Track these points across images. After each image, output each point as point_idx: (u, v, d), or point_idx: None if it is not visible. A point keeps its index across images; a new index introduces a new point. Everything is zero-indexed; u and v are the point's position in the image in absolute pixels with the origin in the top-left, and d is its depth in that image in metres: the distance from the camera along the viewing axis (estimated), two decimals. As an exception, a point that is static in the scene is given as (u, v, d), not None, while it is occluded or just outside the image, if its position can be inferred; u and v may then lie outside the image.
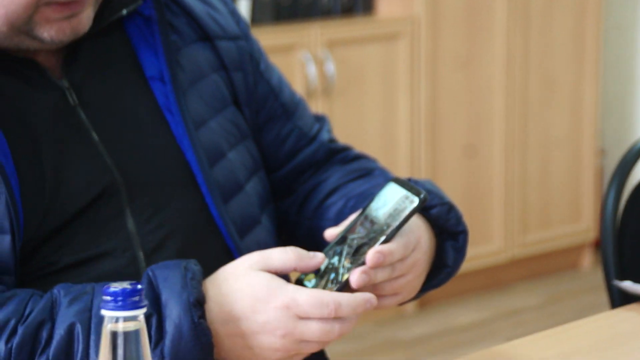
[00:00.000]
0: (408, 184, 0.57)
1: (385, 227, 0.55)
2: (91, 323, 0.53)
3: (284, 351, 0.55)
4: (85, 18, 0.64)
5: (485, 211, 2.11)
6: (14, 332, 0.53)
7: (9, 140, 0.60)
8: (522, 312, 2.25)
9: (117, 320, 0.38)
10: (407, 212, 0.54)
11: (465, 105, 2.04)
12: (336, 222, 0.65)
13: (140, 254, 0.63)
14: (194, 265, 0.57)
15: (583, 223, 2.38)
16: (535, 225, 2.24)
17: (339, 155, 0.79)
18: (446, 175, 1.99)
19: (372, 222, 0.56)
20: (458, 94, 2.02)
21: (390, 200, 0.56)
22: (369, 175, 0.74)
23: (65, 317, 0.53)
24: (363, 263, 0.54)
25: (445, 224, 0.62)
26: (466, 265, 0.71)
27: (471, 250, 0.75)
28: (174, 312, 0.51)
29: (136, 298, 0.38)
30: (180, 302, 0.51)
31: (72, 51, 0.67)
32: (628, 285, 0.85)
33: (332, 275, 0.56)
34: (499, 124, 2.10)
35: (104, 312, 0.38)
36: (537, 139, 2.20)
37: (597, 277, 1.55)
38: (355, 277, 0.54)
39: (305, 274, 0.57)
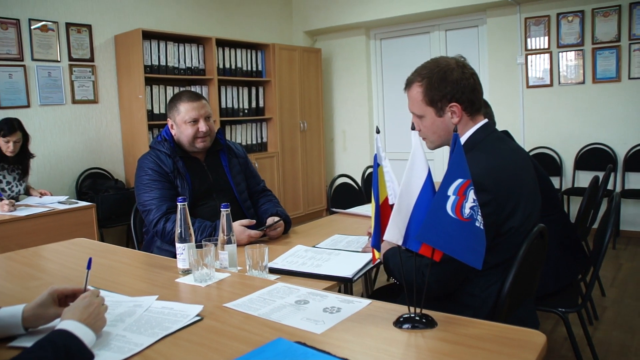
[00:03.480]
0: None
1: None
2: (202, 226, 2.24)
3: (248, 238, 2.23)
4: (209, 143, 2.44)
5: None
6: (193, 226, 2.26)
7: (192, 179, 2.41)
8: None
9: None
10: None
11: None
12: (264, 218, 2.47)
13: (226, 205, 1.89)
14: None
15: None
16: None
17: (267, 192, 2.69)
18: None
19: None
20: None
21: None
22: (272, 202, 2.60)
23: (200, 222, 2.25)
24: (270, 226, 2.32)
25: (286, 218, 2.45)
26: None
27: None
28: None
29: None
30: None
31: (208, 156, 2.50)
32: None
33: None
34: None
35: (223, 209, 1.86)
36: None
37: None
38: (269, 222, 2.38)
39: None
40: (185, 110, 2.40)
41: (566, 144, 5.42)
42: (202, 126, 2.41)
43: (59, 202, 3.56)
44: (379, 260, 1.91)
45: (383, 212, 1.21)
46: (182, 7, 5.58)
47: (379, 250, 1.23)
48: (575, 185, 5.37)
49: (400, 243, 1.19)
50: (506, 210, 1.56)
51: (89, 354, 1.11)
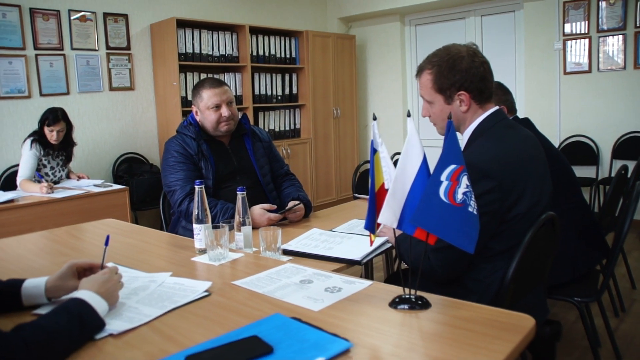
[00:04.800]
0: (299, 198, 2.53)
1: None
2: (224, 208, 2.42)
3: (267, 221, 2.30)
4: (232, 127, 2.53)
5: None
6: (216, 208, 2.41)
7: (216, 161, 2.58)
8: None
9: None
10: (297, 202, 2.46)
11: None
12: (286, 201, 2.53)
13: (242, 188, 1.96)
14: None
15: None
16: None
17: (290, 175, 2.78)
18: None
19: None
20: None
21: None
22: (295, 187, 2.68)
23: (222, 204, 2.38)
24: (290, 209, 2.38)
25: (307, 203, 2.50)
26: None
27: None
28: None
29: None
30: None
31: (232, 140, 2.62)
32: None
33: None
34: None
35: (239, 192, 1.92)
36: None
37: None
38: (290, 205, 2.45)
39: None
40: (207, 97, 2.48)
41: (604, 132, 5.27)
42: (225, 111, 2.48)
43: (95, 185, 3.73)
44: (390, 245, 1.96)
45: (379, 197, 1.25)
46: (216, -5, 5.68)
47: (373, 233, 1.27)
48: (613, 175, 5.23)
49: (395, 226, 1.23)
50: (511, 197, 1.57)
51: (100, 321, 1.20)
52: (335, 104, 6.36)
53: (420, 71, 1.77)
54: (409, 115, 1.24)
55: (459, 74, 1.67)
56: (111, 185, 3.75)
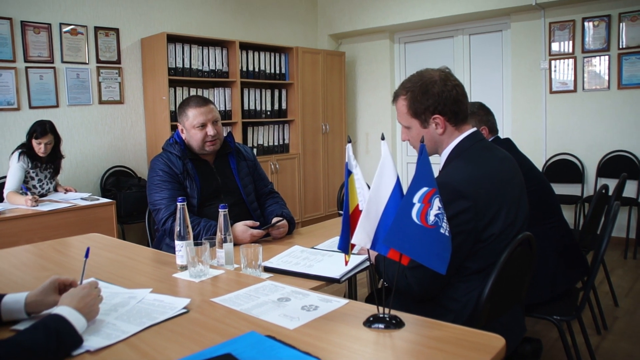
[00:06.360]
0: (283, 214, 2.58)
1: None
2: (207, 225, 2.45)
3: (250, 237, 2.33)
4: (218, 146, 2.54)
5: None
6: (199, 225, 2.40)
7: (200, 180, 2.65)
8: None
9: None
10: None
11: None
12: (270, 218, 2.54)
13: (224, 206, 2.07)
14: None
15: None
16: None
17: (274, 193, 2.82)
18: None
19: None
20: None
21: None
22: (278, 204, 2.70)
23: (206, 222, 2.37)
24: (273, 225, 2.41)
25: (290, 220, 2.56)
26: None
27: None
28: None
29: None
30: None
31: (217, 159, 2.70)
32: None
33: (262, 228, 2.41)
34: None
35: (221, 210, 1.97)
36: None
37: None
38: (273, 221, 2.50)
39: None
40: (193, 116, 2.51)
41: (589, 150, 5.35)
42: (210, 130, 2.51)
43: (82, 199, 3.74)
44: (369, 263, 1.98)
45: (353, 218, 1.28)
46: (206, 11, 5.73)
47: (347, 253, 1.30)
48: (597, 193, 5.29)
49: (368, 247, 1.26)
50: (486, 217, 1.61)
51: (78, 338, 1.22)
52: (324, 120, 6.41)
53: (395, 97, 1.82)
54: (382, 138, 1.27)
55: (432, 98, 1.71)
56: (98, 199, 3.75)
